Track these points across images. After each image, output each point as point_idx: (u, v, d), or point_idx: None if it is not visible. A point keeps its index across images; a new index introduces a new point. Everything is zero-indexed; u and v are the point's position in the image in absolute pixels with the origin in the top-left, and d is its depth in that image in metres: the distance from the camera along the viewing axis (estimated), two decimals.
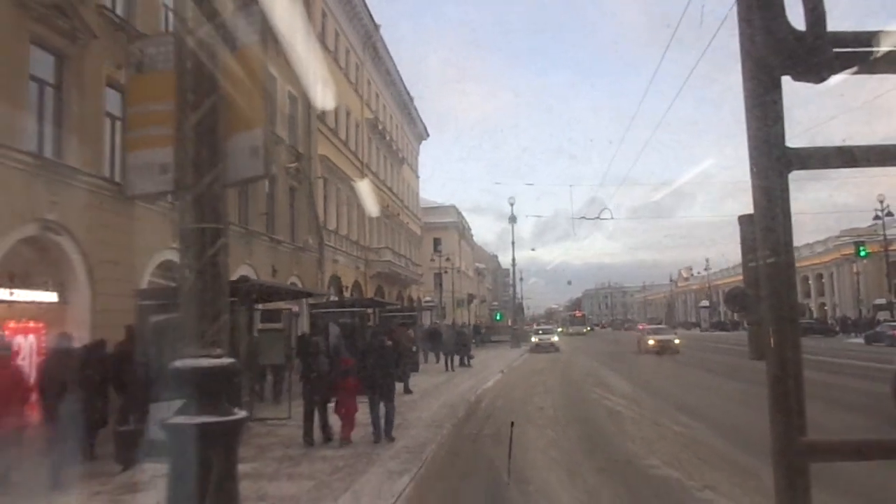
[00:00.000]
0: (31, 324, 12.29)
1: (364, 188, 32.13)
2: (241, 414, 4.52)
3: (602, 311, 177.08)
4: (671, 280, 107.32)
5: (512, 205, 44.87)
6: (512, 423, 4.83)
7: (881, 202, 42.31)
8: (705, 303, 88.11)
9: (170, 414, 7.12)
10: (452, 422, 11.46)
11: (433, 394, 15.63)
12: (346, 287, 31.37)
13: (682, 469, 7.42)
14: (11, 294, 11.57)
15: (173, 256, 16.11)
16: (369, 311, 21.34)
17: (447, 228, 66.80)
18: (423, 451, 8.68)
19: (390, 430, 9.65)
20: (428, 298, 52.12)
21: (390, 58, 40.95)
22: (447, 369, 22.69)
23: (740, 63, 1.63)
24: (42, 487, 6.84)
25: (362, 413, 9.84)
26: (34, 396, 7.54)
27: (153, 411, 8.00)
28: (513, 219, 42.38)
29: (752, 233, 1.71)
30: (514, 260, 44.77)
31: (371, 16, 35.69)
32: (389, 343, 10.74)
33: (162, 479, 6.75)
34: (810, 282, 78.88)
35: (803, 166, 1.63)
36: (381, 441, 9.39)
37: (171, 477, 4.38)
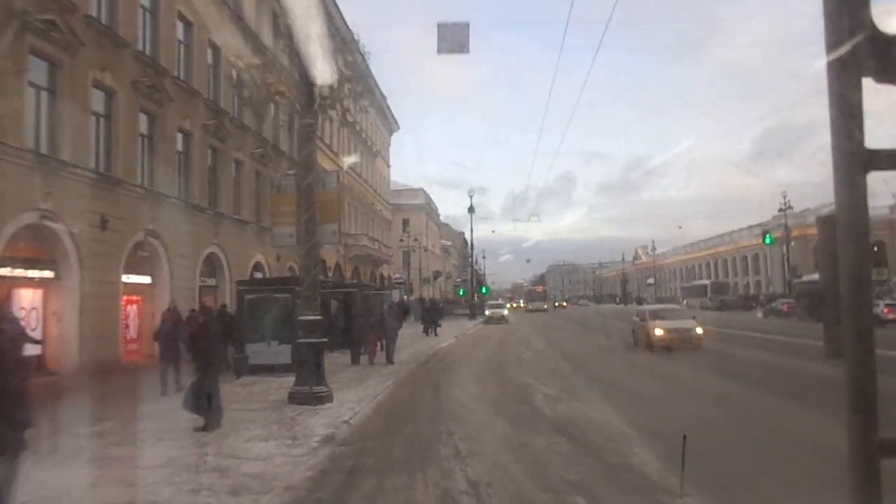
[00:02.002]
0: (134, 297, 18.45)
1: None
2: (324, 339, 11.38)
3: (565, 287, 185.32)
4: (623, 259, 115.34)
5: (471, 196, 50.87)
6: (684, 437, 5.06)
7: (784, 197, 49.89)
8: (651, 280, 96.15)
9: (256, 350, 14.90)
10: (417, 363, 18.06)
11: (403, 349, 22.07)
12: (329, 268, 37.56)
13: (537, 380, 14.04)
14: (128, 277, 17.65)
15: (214, 250, 22.30)
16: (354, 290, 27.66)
17: (415, 210, 72.76)
18: (399, 374, 15.22)
19: (391, 357, 17.50)
20: (397, 276, 58.42)
21: (366, 64, 46.65)
22: (426, 335, 29.06)
23: (825, 62, 1.66)
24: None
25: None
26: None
27: (248, 348, 14.37)
28: (471, 209, 48.68)
29: (832, 233, 1.75)
30: (472, 245, 51.34)
31: (351, 31, 41.39)
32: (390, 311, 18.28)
33: (258, 383, 13.37)
34: (748, 261, 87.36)
35: (882, 167, 1.64)
36: (391, 363, 16.96)
37: (299, 366, 11.15)
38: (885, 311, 31.36)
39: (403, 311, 33.14)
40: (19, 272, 13.78)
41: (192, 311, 16.72)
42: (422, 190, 76.89)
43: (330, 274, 37.13)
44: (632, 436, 8.12)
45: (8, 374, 4.46)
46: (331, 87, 11.51)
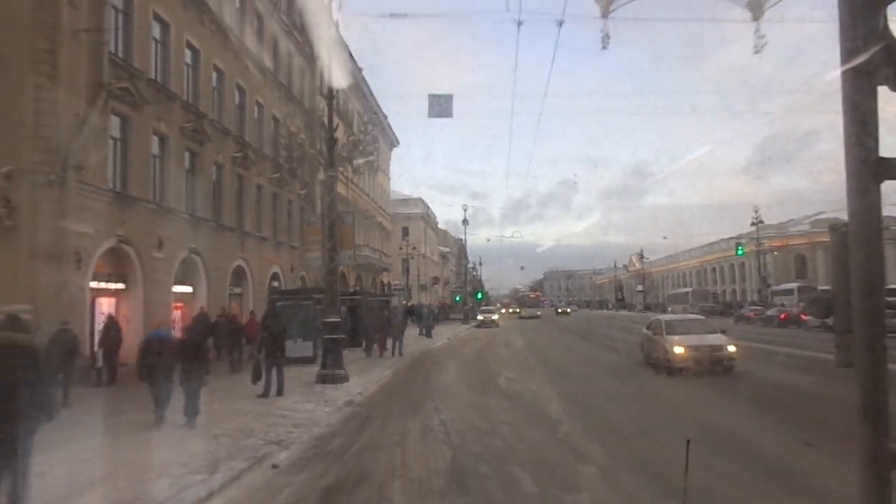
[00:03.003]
0: (179, 304, 22.28)
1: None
2: (343, 335, 15.56)
3: (562, 293, 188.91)
4: (615, 266, 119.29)
5: (465, 210, 55.49)
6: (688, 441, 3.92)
7: (756, 212, 53.87)
8: (640, 287, 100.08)
9: (294, 345, 19.35)
10: (413, 357, 21.94)
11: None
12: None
13: (507, 369, 17.90)
14: (176, 288, 21.48)
15: (241, 263, 26.14)
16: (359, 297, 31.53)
17: (414, 219, 76.63)
18: (397, 365, 19.10)
19: (402, 351, 21.50)
20: (397, 282, 62.30)
21: (369, 88, 50.71)
22: (422, 336, 32.90)
23: (840, 71, 1.65)
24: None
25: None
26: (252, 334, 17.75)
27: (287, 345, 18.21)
28: (465, 222, 52.94)
29: (844, 242, 1.77)
30: (466, 255, 55.09)
31: (355, 60, 45.34)
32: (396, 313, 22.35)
33: (290, 370, 17.22)
34: (735, 269, 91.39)
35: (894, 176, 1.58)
36: (395, 356, 21.07)
37: (325, 355, 15.28)
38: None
39: (406, 314, 37.31)
40: (102, 285, 17.62)
41: (219, 315, 20.69)
42: (420, 199, 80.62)
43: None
44: (552, 395, 12.02)
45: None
46: (348, 151, 15.42)
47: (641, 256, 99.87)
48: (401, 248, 62.27)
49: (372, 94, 51.75)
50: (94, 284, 17.01)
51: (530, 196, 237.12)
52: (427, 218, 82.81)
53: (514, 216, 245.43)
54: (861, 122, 1.68)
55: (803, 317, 39.65)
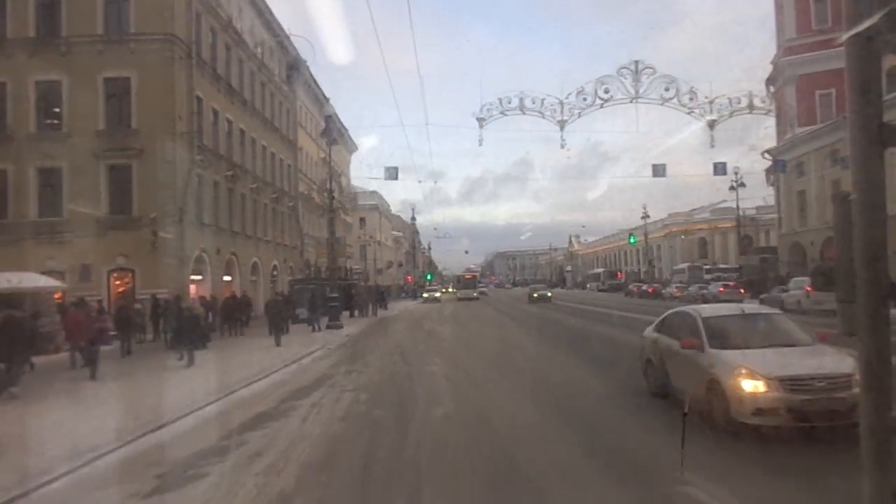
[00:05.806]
0: (225, 288, 34.28)
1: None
2: (338, 304, 28.82)
3: (511, 273, 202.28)
4: (550, 247, 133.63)
5: (413, 209, 67.48)
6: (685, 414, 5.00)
7: (644, 207, 67.76)
8: (569, 267, 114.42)
9: (300, 311, 33.75)
10: (377, 319, 34.58)
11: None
12: (313, 265, 53.46)
13: (441, 324, 30.66)
14: (224, 278, 33.42)
15: (256, 260, 38.27)
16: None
17: (370, 210, 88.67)
18: (371, 322, 31.83)
19: (377, 313, 33.92)
20: (357, 267, 74.51)
21: (335, 113, 62.39)
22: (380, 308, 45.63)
23: (844, 37, 1.69)
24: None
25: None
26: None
27: (298, 311, 30.60)
28: (413, 218, 65.11)
29: (847, 211, 1.75)
30: (419, 242, 67.47)
31: (324, 93, 56.99)
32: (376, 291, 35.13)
33: (322, 328, 29.83)
34: (653, 251, 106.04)
35: None
36: (374, 316, 33.62)
37: (330, 315, 28.21)
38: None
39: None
40: (192, 277, 29.62)
41: (243, 294, 32.70)
42: (376, 192, 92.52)
43: (313, 269, 53.10)
44: (449, 333, 24.95)
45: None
46: (341, 202, 27.63)
47: (571, 240, 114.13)
48: (359, 237, 74.36)
49: (340, 121, 63.58)
50: (191, 277, 29.09)
51: (487, 174, 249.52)
52: (381, 208, 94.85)
53: (470, 196, 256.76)
54: (862, 88, 1.71)
55: (663, 290, 53.81)
